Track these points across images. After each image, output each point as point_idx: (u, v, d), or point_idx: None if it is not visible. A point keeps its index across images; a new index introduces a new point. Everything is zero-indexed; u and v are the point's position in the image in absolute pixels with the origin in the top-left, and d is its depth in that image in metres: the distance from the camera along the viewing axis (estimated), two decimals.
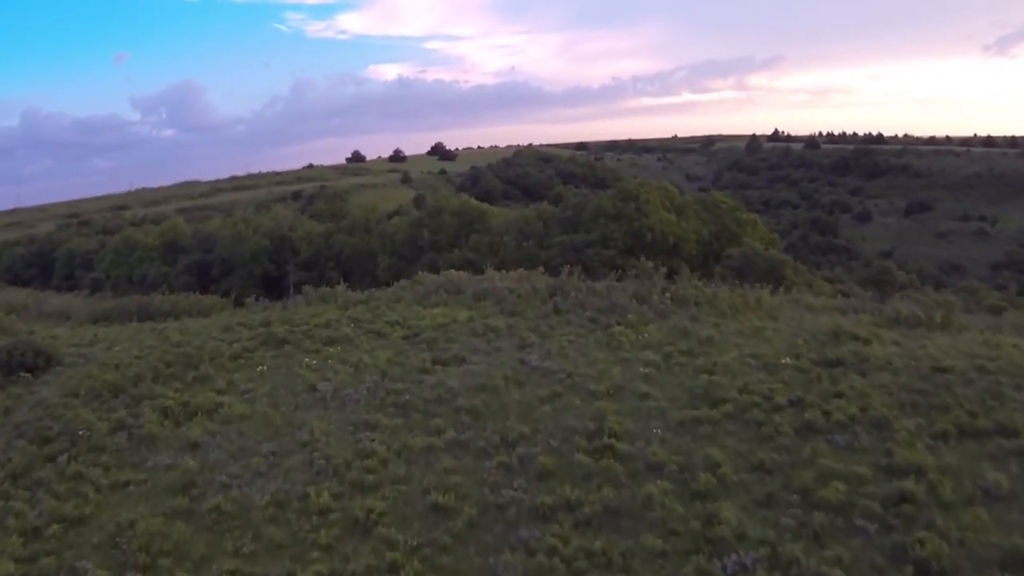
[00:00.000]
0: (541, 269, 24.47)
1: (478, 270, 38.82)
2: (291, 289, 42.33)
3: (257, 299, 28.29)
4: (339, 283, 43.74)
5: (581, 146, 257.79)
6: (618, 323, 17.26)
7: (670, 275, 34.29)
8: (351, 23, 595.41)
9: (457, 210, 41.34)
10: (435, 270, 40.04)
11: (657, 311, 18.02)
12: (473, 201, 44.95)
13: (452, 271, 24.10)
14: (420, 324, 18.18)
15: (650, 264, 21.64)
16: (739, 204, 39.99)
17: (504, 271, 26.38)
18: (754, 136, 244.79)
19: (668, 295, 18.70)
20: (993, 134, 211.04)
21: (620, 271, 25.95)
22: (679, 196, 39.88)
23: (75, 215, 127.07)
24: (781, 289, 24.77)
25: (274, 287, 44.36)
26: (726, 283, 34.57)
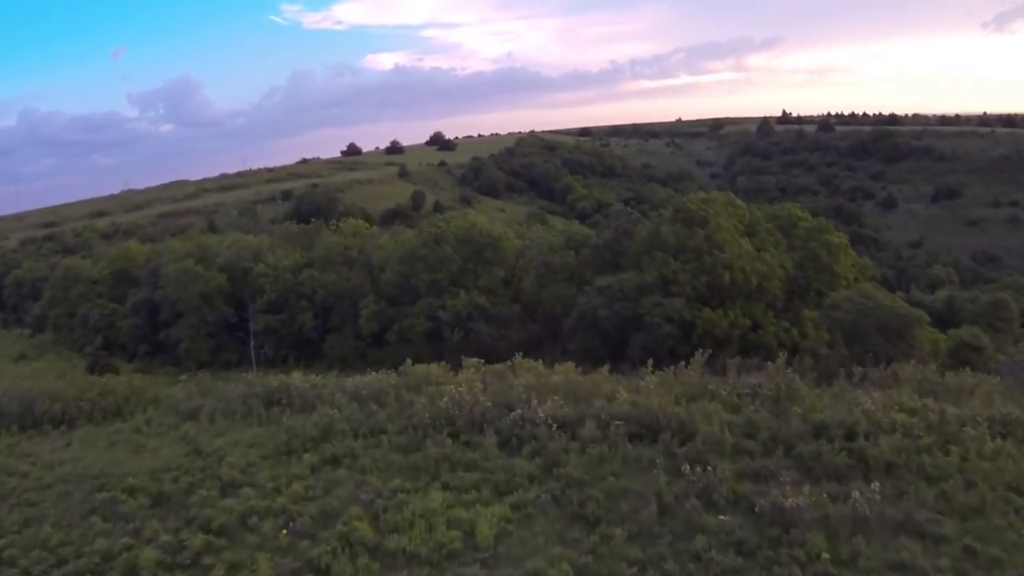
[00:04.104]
0: (605, 366, 15.85)
1: (493, 322, 30.04)
2: (251, 340, 33.70)
3: (195, 372, 21.42)
4: (311, 324, 35.04)
5: (584, 132, 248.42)
6: (795, 560, 8.71)
7: (753, 329, 25.52)
8: (347, 13, 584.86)
9: (463, 237, 32.40)
10: (433, 319, 31.27)
11: (856, 519, 9.46)
12: (481, 220, 35.90)
13: (466, 376, 15.51)
14: (409, 551, 9.64)
15: (789, 370, 12.93)
16: (825, 223, 30.78)
17: (537, 354, 18.12)
18: (765, 119, 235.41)
19: (864, 494, 9.98)
20: (996, 112, 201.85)
21: (701, 346, 16.62)
22: (748, 212, 30.92)
23: (50, 224, 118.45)
24: (922, 365, 16.53)
25: (235, 334, 35.60)
26: (836, 345, 25.97)
